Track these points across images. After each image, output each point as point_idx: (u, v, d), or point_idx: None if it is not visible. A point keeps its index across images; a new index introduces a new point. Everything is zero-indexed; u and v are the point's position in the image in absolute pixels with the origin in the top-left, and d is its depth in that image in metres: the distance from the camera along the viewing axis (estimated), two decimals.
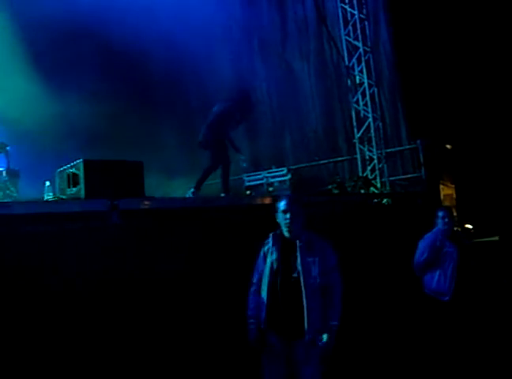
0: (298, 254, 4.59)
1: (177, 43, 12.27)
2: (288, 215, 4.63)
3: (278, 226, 4.73)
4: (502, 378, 6.17)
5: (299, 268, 4.56)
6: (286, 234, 4.67)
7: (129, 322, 5.41)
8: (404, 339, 6.89)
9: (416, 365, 6.36)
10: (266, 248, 4.70)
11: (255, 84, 14.97)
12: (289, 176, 12.67)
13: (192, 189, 8.73)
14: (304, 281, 4.53)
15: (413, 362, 6.43)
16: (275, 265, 4.58)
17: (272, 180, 12.81)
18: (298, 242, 4.64)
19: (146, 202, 6.59)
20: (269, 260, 4.61)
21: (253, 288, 4.71)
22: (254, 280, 4.71)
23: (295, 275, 4.55)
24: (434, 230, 6.50)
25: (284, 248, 4.63)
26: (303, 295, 4.52)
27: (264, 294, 4.57)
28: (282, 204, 4.69)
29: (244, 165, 9.76)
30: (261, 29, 14.82)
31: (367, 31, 12.19)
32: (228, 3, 14.59)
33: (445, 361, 6.12)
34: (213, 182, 9.60)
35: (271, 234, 4.74)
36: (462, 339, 6.12)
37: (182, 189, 9.66)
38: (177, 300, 5.50)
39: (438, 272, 6.30)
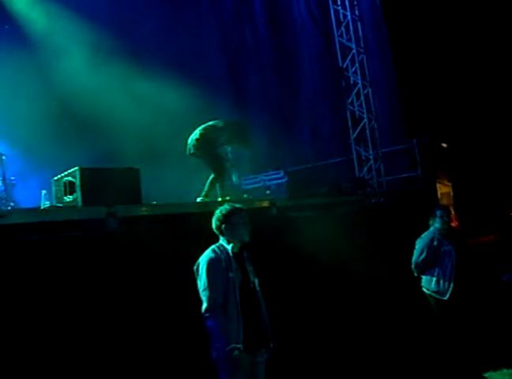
0: (247, 265, 4.59)
1: None
2: (248, 228, 4.59)
3: (220, 237, 4.60)
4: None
5: (252, 278, 4.57)
6: (236, 245, 4.57)
7: (131, 329, 5.41)
8: (404, 337, 6.90)
9: (416, 363, 6.36)
10: (222, 263, 4.42)
11: (251, 86, 15.05)
12: (286, 179, 12.67)
13: (200, 199, 8.77)
14: (259, 290, 4.58)
15: (413, 359, 6.44)
16: (239, 279, 4.43)
17: (270, 183, 12.81)
18: (245, 253, 4.63)
19: (144, 208, 6.59)
20: (231, 275, 4.39)
21: (219, 310, 4.33)
22: (212, 302, 4.33)
23: (251, 285, 4.53)
24: (431, 229, 6.51)
25: (237, 260, 4.53)
26: (261, 304, 4.57)
27: (234, 311, 4.35)
28: (242, 217, 4.61)
29: (234, 181, 9.64)
30: (257, 29, 14.87)
31: (360, 32, 12.21)
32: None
33: (445, 358, 6.14)
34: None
35: (217, 248, 4.53)
36: (462, 337, 6.13)
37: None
38: (181, 307, 5.50)
39: (436, 271, 6.31)
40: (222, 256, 4.46)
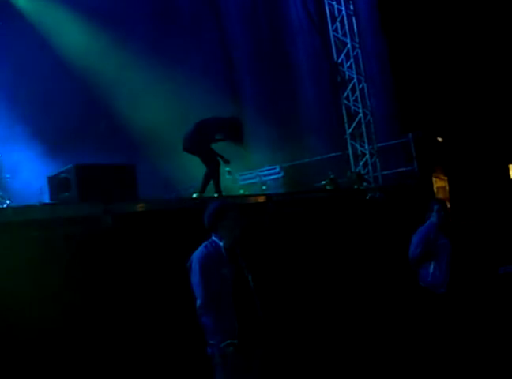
0: (240, 261, 4.57)
1: None
2: (240, 224, 4.56)
3: (212, 233, 4.55)
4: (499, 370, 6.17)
5: (246, 274, 4.54)
6: (228, 241, 4.52)
7: (129, 326, 5.42)
8: (400, 331, 6.92)
9: (412, 357, 6.38)
10: (215, 259, 4.40)
11: (246, 80, 15.04)
12: (282, 174, 12.70)
13: (196, 195, 8.80)
14: (253, 286, 4.55)
15: (410, 353, 6.45)
16: (232, 275, 4.40)
17: (266, 178, 12.85)
18: (238, 248, 4.60)
19: (140, 205, 6.59)
20: (224, 272, 4.37)
21: (213, 307, 4.31)
22: (207, 298, 4.30)
23: (245, 281, 4.51)
24: (427, 223, 6.52)
25: (230, 256, 4.49)
26: (255, 300, 4.54)
27: (228, 307, 4.32)
28: (234, 212, 4.56)
29: (229, 177, 9.80)
30: (255, 26, 14.84)
31: (355, 27, 12.21)
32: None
33: (443, 351, 6.15)
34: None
35: (209, 244, 4.50)
36: (459, 330, 6.15)
37: None
38: (178, 303, 5.50)
39: (432, 265, 6.32)
40: (215, 252, 4.45)
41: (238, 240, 4.60)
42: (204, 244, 4.52)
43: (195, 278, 4.40)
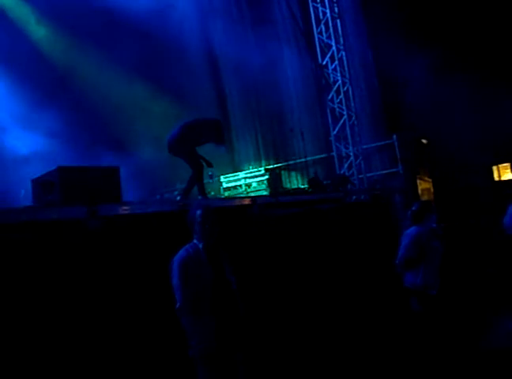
0: (223, 263, 4.58)
1: None
2: (217, 227, 4.59)
3: (193, 235, 4.59)
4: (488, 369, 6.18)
5: (228, 276, 4.57)
6: (207, 243, 4.55)
7: (116, 330, 5.37)
8: (385, 334, 6.92)
9: (405, 360, 6.37)
10: (195, 262, 4.44)
11: (231, 82, 15.02)
12: (267, 176, 12.68)
13: (178, 198, 8.75)
14: (236, 289, 4.58)
15: (395, 357, 6.45)
16: (211, 278, 4.42)
17: (250, 180, 12.82)
18: (222, 251, 4.62)
19: (125, 207, 6.53)
20: (203, 274, 4.41)
21: (191, 309, 4.35)
22: (185, 300, 4.35)
23: (227, 284, 4.53)
24: (417, 225, 6.45)
25: (210, 258, 4.51)
26: (238, 303, 4.56)
27: (207, 310, 4.35)
28: (203, 214, 4.58)
29: (210, 181, 9.86)
30: (239, 28, 14.83)
31: (339, 30, 12.25)
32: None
33: (435, 353, 6.15)
34: None
35: (190, 247, 4.54)
36: (451, 331, 6.14)
37: None
38: (163, 305, 5.45)
39: (423, 267, 6.25)
40: (194, 254, 4.48)
41: (218, 242, 4.62)
42: (184, 247, 4.56)
43: (174, 280, 4.43)
